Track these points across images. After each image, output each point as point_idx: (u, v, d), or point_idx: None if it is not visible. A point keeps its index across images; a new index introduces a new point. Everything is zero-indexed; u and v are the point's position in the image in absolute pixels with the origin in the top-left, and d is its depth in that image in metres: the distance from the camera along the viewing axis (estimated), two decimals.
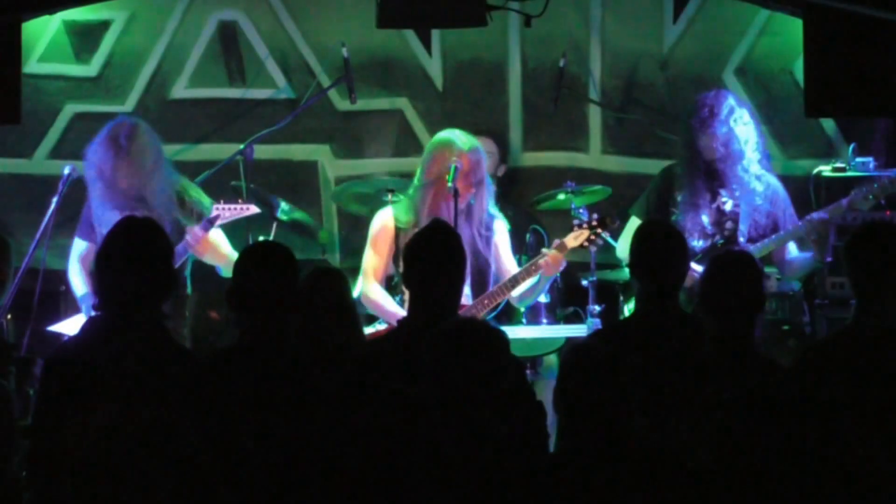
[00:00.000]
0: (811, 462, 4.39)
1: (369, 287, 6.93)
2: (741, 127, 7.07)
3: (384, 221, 7.00)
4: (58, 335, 7.05)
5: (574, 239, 6.86)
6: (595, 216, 6.90)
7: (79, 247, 7.24)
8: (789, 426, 4.41)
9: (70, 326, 7.08)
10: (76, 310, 7.23)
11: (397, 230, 6.94)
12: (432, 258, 4.84)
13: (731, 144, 7.03)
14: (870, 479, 4.38)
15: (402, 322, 4.87)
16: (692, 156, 7.10)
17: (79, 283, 7.18)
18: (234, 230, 7.78)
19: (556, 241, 6.86)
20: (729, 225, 7.04)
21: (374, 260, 6.95)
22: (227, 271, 7.17)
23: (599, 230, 6.86)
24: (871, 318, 4.55)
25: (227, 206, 7.14)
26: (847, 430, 4.40)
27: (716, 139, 7.03)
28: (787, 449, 4.40)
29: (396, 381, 4.57)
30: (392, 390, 4.57)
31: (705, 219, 7.04)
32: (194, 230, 6.99)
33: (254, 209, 7.22)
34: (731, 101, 7.14)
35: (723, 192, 7.05)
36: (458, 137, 6.94)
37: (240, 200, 7.24)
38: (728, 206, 7.05)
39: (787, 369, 4.62)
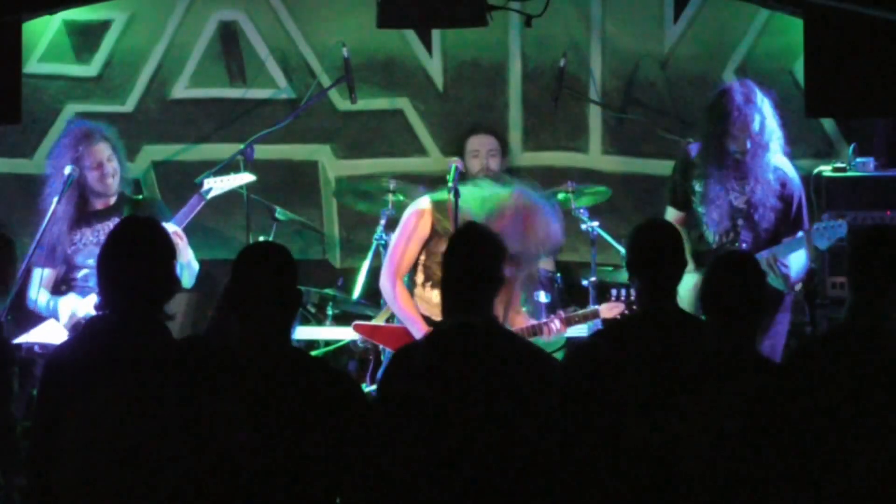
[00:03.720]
0: (806, 463, 4.39)
1: (392, 284, 6.77)
2: (770, 118, 7.04)
3: (423, 213, 6.82)
4: (30, 345, 6.99)
5: (608, 311, 6.86)
6: (633, 296, 6.86)
7: (39, 276, 7.21)
8: (784, 426, 4.41)
9: (42, 333, 7.02)
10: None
11: (433, 231, 6.79)
12: (469, 263, 4.79)
13: (763, 134, 6.99)
14: (864, 478, 4.39)
15: (438, 324, 4.83)
16: (717, 146, 7.03)
17: (40, 298, 7.17)
18: (234, 230, 7.80)
19: (589, 310, 6.84)
20: (740, 222, 7.04)
21: (404, 253, 6.72)
22: (187, 281, 7.10)
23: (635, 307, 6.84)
24: (865, 318, 4.60)
25: (219, 178, 7.14)
26: (840, 428, 4.41)
27: (749, 128, 6.97)
28: (783, 449, 4.41)
29: (424, 383, 4.56)
30: (401, 392, 4.57)
31: (720, 212, 7.04)
32: (174, 218, 7.01)
33: (248, 177, 7.19)
34: (758, 90, 7.10)
35: (735, 185, 7.03)
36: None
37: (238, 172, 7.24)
38: (739, 203, 7.04)
39: (779, 368, 4.62)
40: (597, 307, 6.85)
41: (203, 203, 7.14)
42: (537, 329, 6.70)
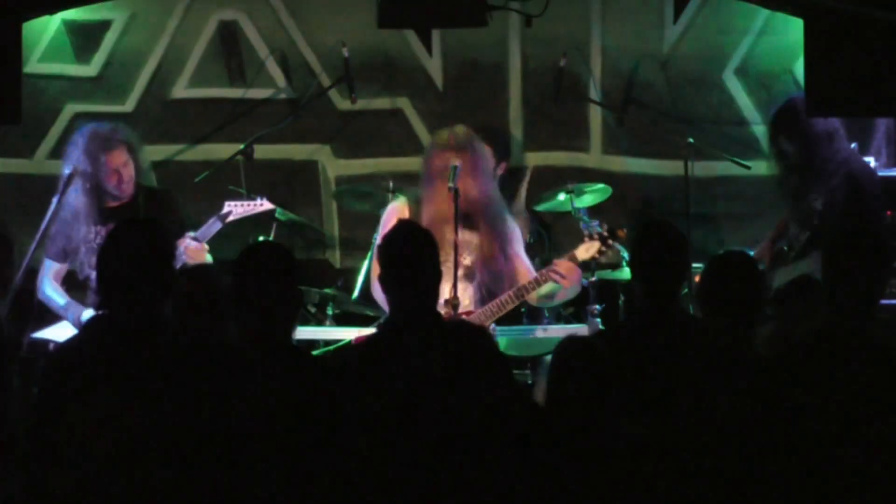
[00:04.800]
0: (804, 462, 4.40)
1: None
2: (819, 130, 7.09)
3: (399, 213, 6.94)
4: (45, 341, 7.02)
5: (585, 251, 6.81)
6: (605, 227, 6.86)
7: (51, 267, 7.22)
8: (781, 425, 4.42)
9: (56, 332, 7.05)
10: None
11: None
12: (402, 261, 4.84)
13: (810, 148, 7.07)
14: (844, 478, 4.41)
15: (382, 325, 4.89)
16: (778, 155, 7.16)
17: (57, 295, 7.17)
18: (234, 230, 7.78)
19: (567, 255, 6.83)
20: (816, 222, 7.10)
21: None
22: None
23: (610, 241, 6.83)
24: (840, 319, 4.64)
25: (238, 203, 7.13)
26: (821, 430, 4.43)
27: (793, 143, 7.07)
28: (781, 448, 4.42)
29: (378, 382, 4.59)
30: (375, 390, 4.58)
31: (801, 210, 7.15)
32: (197, 233, 6.99)
33: (268, 205, 7.20)
34: None
35: (814, 186, 7.10)
36: (453, 134, 6.92)
37: (258, 199, 7.23)
38: (817, 205, 7.09)
39: (777, 367, 4.64)
40: (573, 251, 6.84)
41: (221, 226, 7.10)
42: (542, 278, 6.74)
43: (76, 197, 7.14)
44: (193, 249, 6.98)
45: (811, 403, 4.46)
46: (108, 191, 7.17)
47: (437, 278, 4.89)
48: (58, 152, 8.32)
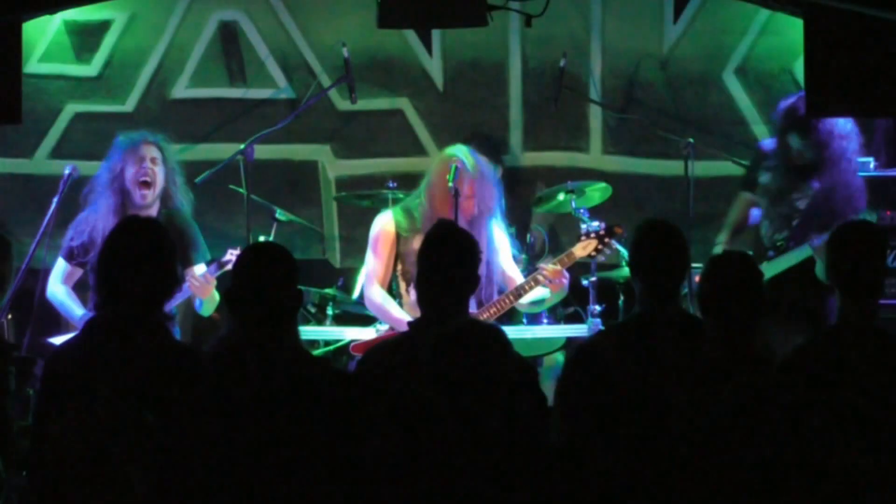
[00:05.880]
0: (798, 464, 4.40)
1: (373, 291, 6.91)
2: (838, 134, 7.07)
3: (384, 225, 6.96)
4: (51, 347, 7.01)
5: (582, 249, 6.82)
6: (603, 225, 6.86)
7: (64, 269, 7.16)
8: (779, 428, 4.42)
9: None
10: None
11: (398, 235, 6.92)
12: (441, 259, 4.81)
13: (824, 153, 7.05)
14: (851, 481, 4.41)
15: (412, 324, 4.87)
16: (783, 153, 7.11)
17: (71, 303, 7.12)
18: (234, 231, 7.80)
19: (564, 253, 6.83)
20: (795, 223, 7.07)
21: (377, 264, 6.93)
22: (208, 309, 7.09)
23: (608, 239, 6.83)
24: (853, 318, 4.63)
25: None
26: (829, 431, 4.42)
27: (810, 145, 7.06)
28: (781, 449, 4.41)
29: (404, 382, 4.58)
30: (396, 392, 4.58)
31: (781, 209, 7.11)
32: (205, 273, 6.92)
33: None
34: None
35: (802, 186, 7.07)
36: (465, 156, 6.88)
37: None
38: (801, 205, 7.08)
39: (775, 372, 4.63)
40: (571, 249, 6.84)
41: (220, 272, 7.03)
42: (539, 278, 6.73)
43: (101, 195, 7.04)
44: (199, 287, 6.92)
45: (818, 403, 4.46)
46: (128, 187, 7.01)
47: (474, 284, 4.86)
48: (58, 152, 8.36)
